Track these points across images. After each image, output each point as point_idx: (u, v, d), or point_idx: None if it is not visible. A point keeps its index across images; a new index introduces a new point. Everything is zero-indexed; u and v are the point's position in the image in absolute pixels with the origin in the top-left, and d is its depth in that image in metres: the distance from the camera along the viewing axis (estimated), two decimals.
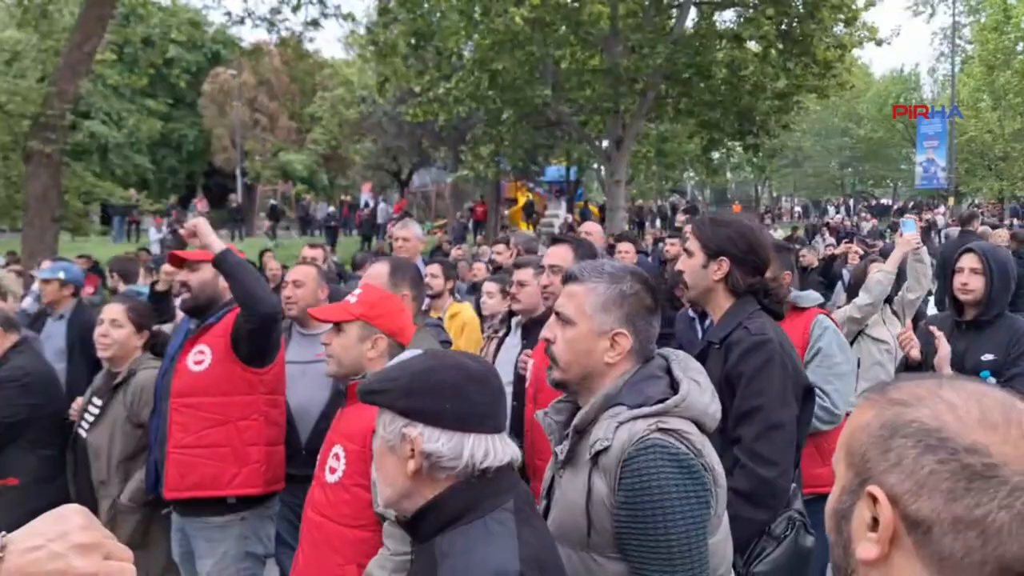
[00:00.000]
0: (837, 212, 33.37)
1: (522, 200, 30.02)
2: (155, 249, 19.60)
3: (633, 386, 1.77)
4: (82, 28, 12.12)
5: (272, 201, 30.11)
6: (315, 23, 14.41)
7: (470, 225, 26.53)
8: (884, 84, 39.41)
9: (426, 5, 16.30)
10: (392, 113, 26.44)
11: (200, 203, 25.56)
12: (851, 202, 38.35)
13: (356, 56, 31.49)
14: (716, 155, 19.61)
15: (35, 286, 5.60)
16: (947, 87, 31.23)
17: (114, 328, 3.42)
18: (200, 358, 3.22)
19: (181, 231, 3.32)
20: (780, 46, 15.99)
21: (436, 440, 1.41)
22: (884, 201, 40.51)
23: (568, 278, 1.93)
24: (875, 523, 0.82)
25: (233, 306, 3.22)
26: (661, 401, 1.72)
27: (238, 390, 3.22)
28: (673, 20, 17.54)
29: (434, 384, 1.44)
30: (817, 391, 3.09)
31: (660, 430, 1.65)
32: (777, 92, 16.80)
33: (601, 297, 1.85)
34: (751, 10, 16.14)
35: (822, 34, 15.52)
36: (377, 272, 3.16)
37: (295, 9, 13.27)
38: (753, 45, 17.27)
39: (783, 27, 15.70)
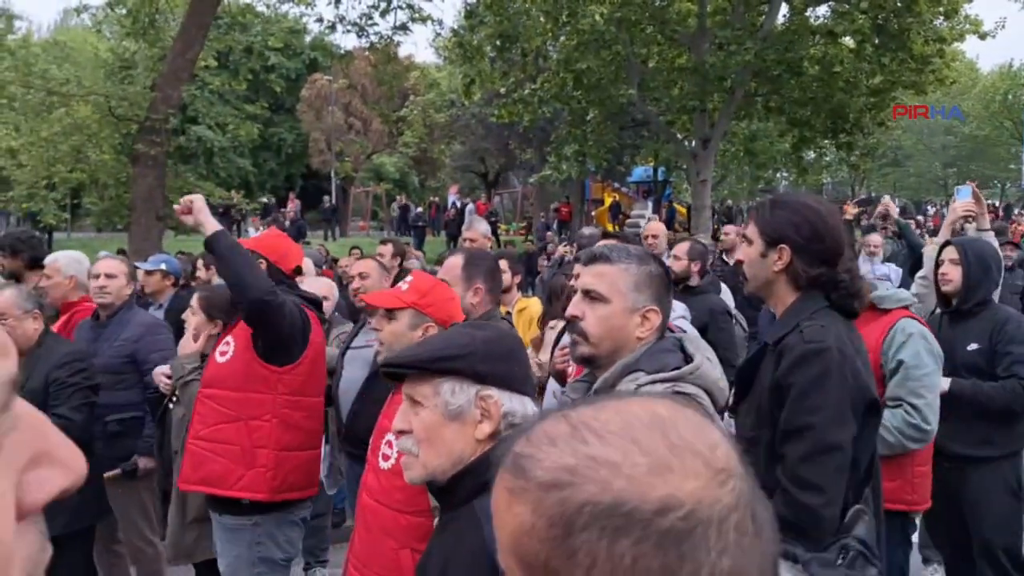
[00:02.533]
0: (936, 213, 31.97)
1: (608, 201, 29.93)
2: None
3: (651, 355, 1.88)
4: (184, 36, 12.81)
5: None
6: (404, 27, 14.81)
7: (555, 226, 26.59)
8: (991, 80, 37.42)
9: (512, 8, 16.48)
10: (480, 115, 26.84)
11: (292, 203, 26.47)
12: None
13: (444, 60, 32.05)
14: (809, 154, 19.04)
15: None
16: None
17: (192, 315, 3.65)
18: (225, 349, 3.16)
19: (183, 218, 3.16)
20: (875, 41, 15.44)
21: (510, 402, 1.51)
22: (990, 202, 38.52)
23: (597, 258, 2.01)
24: None
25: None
26: (677, 368, 1.82)
27: (254, 387, 3.08)
28: (763, 16, 17.19)
29: (505, 350, 1.53)
30: (904, 406, 2.93)
31: (676, 393, 1.74)
32: (872, 88, 16.23)
33: (633, 277, 1.96)
34: (845, 4, 15.63)
35: (919, 28, 14.90)
36: (451, 264, 3.16)
37: (384, 14, 13.65)
38: (847, 41, 16.75)
39: (878, 21, 15.16)
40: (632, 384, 1.80)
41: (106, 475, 3.99)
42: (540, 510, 0.66)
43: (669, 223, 24.98)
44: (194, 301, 3.65)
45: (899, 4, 14.85)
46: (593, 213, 29.20)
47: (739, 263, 2.48)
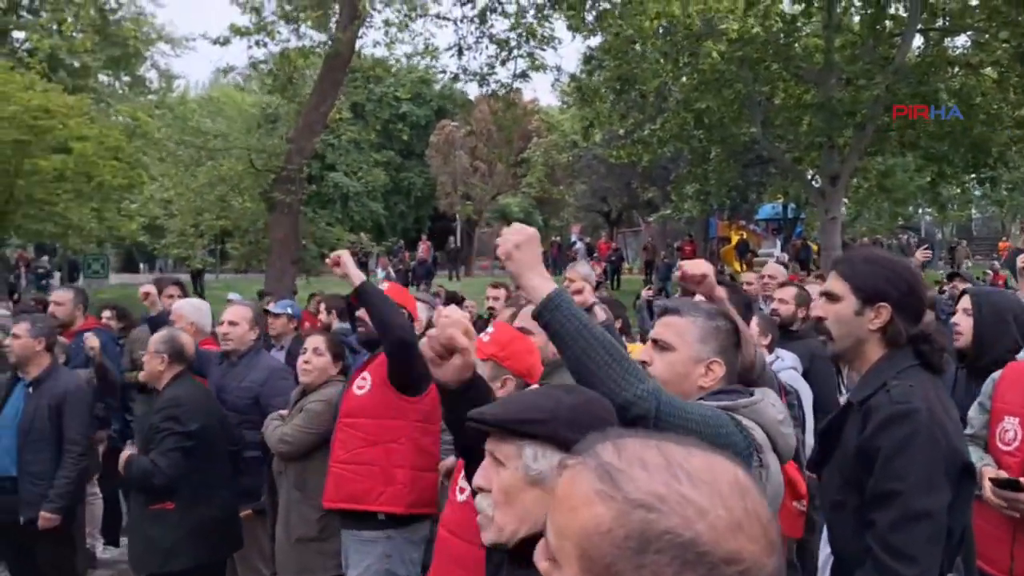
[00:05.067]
0: None
1: (735, 239, 29.30)
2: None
3: (715, 393, 1.97)
4: (319, 91, 13.68)
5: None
6: (524, 75, 15.22)
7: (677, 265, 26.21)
8: None
9: (630, 51, 16.61)
10: (602, 156, 27.08)
11: (424, 245, 27.43)
12: None
13: (562, 103, 32.58)
14: (950, 190, 18.00)
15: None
16: None
17: (315, 356, 3.89)
18: (362, 384, 3.57)
19: (334, 269, 3.57)
20: (1019, 70, 14.55)
21: None
22: None
23: (667, 311, 2.11)
24: None
25: None
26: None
27: (390, 415, 3.49)
28: (894, 50, 16.55)
29: (592, 417, 1.45)
30: None
31: (732, 419, 1.79)
32: (1018, 120, 15.25)
33: (700, 329, 2.03)
34: (984, 35, 14.84)
35: None
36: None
37: (504, 63, 14.10)
38: (988, 71, 15.86)
39: (1021, 50, 14.29)
40: None
41: (242, 513, 4.25)
42: (622, 521, 0.76)
43: (805, 262, 24.15)
44: (319, 343, 3.90)
45: None
46: (721, 251, 28.66)
47: (819, 320, 2.41)
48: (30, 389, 4.52)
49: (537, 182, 35.61)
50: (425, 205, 39.93)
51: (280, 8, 13.10)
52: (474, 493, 1.52)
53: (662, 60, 14.72)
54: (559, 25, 14.81)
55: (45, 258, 24.05)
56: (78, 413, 4.53)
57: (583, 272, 5.75)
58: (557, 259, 30.49)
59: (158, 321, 4.89)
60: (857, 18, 17.58)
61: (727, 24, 11.11)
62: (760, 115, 16.72)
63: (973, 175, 16.71)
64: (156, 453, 3.81)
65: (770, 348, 4.47)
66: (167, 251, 14.65)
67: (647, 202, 30.98)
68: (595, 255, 26.36)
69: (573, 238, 33.24)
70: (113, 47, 24.45)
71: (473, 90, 46.18)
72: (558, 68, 15.33)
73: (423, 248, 27.44)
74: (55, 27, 17.01)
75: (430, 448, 3.57)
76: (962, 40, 16.98)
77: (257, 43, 13.73)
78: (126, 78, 30.76)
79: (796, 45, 16.53)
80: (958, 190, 18.09)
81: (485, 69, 15.10)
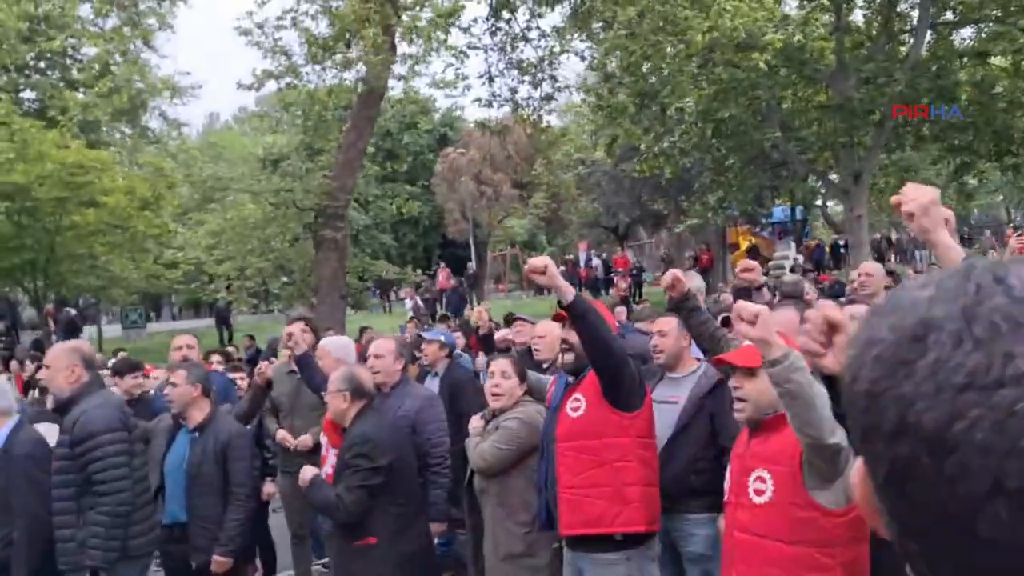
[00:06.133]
0: None
1: (744, 244, 29.53)
2: (408, 317, 21.47)
3: None
4: (355, 127, 13.84)
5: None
6: (549, 98, 15.45)
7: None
8: None
9: (645, 67, 16.87)
10: (612, 172, 27.30)
11: (443, 272, 27.52)
12: None
13: (571, 121, 32.79)
14: (971, 180, 18.22)
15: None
16: None
17: (504, 379, 3.98)
18: (576, 405, 3.53)
19: (536, 279, 3.31)
20: None
21: None
22: None
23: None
24: None
25: None
26: None
27: (611, 433, 3.46)
28: (905, 47, 16.85)
29: None
30: None
31: None
32: None
33: None
34: (998, 24, 15.12)
35: None
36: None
37: (536, 86, 14.32)
38: (997, 60, 16.15)
39: None
40: None
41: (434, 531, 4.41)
42: None
43: (820, 263, 24.36)
44: (506, 367, 4.00)
45: None
46: (730, 258, 28.86)
47: None
48: (196, 434, 4.62)
49: (544, 202, 35.85)
50: (432, 233, 40.12)
51: (311, 50, 13.25)
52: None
53: (682, 74, 14.86)
54: (577, 44, 14.97)
55: (69, 310, 24.03)
56: (243, 456, 4.62)
57: (697, 284, 5.92)
58: (570, 277, 30.65)
59: (303, 362, 5.01)
60: (861, 17, 17.92)
61: (771, 35, 11.32)
62: (777, 119, 16.99)
63: (997, 163, 16.91)
64: (343, 488, 3.88)
65: None
66: (214, 296, 14.71)
67: (654, 215, 31.16)
68: (614, 270, 26.48)
69: (582, 254, 33.24)
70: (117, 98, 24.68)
71: (471, 116, 46.78)
72: (586, 89, 15.48)
73: (443, 275, 27.50)
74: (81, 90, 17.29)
75: (653, 463, 3.58)
76: (968, 32, 17.30)
77: (288, 85, 13.91)
78: (127, 129, 30.98)
79: (805, 49, 16.82)
80: (974, 181, 18.25)
81: (508, 94, 15.34)
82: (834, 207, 36.20)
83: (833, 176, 18.19)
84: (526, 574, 3.78)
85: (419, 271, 30.21)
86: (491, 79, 14.54)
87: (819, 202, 33.38)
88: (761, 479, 2.60)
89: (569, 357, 3.61)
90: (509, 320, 9.05)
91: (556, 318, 3.76)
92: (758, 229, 31.36)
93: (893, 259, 27.59)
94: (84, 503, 3.95)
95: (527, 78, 14.89)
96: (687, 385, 4.18)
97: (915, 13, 16.91)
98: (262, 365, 5.29)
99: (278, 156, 36.95)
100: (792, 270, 20.75)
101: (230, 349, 11.32)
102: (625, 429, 3.49)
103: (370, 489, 3.84)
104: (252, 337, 16.15)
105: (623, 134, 16.32)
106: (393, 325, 16.97)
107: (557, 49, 14.64)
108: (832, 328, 1.73)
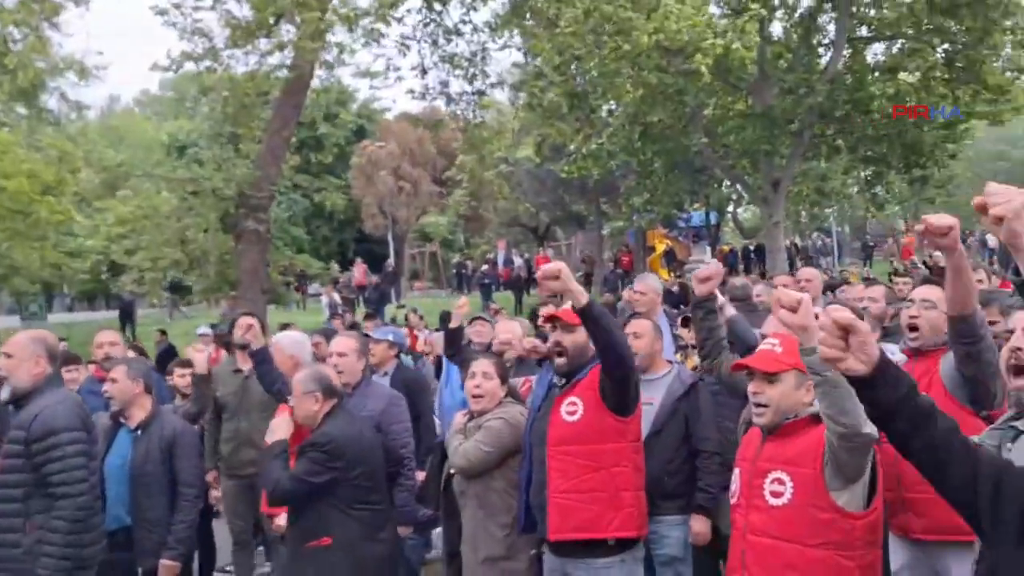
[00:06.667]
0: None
1: (660, 248, 30.09)
2: (326, 314, 20.89)
3: None
4: (280, 115, 13.35)
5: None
6: (481, 93, 15.29)
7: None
8: None
9: (573, 67, 16.91)
10: (535, 171, 27.34)
11: (359, 268, 26.92)
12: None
13: (491, 118, 32.67)
14: (880, 191, 19.04)
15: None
16: None
17: (486, 380, 3.79)
18: (572, 409, 3.43)
19: (549, 284, 3.10)
20: (946, 76, 15.60)
21: None
22: None
23: (928, 281, 2.51)
24: None
25: (596, 362, 3.43)
26: None
27: (609, 438, 3.40)
28: (822, 60, 17.45)
29: None
30: None
31: None
32: (944, 121, 16.34)
33: None
34: (913, 41, 15.84)
35: (995, 59, 15.06)
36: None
37: (470, 80, 14.14)
38: (908, 76, 16.92)
39: (949, 54, 15.35)
40: None
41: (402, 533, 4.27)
42: None
43: (733, 268, 25.01)
44: (487, 367, 3.81)
45: (969, 37, 14.98)
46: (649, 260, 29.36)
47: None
48: (138, 433, 4.28)
49: (464, 199, 35.67)
50: (348, 228, 39.29)
51: (235, 33, 12.68)
52: None
53: (619, 76, 14.94)
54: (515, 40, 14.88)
55: None
56: (190, 455, 4.32)
57: (654, 285, 5.88)
58: (489, 277, 30.53)
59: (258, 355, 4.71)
60: (780, 29, 18.46)
61: (711, 40, 11.48)
62: (702, 126, 17.33)
63: (906, 175, 17.72)
64: (289, 472, 3.69)
65: None
66: (122, 287, 13.90)
67: (574, 216, 31.40)
68: (535, 270, 26.49)
69: (500, 254, 33.06)
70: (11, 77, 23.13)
71: (398, 108, 46.12)
72: (517, 88, 15.40)
73: (359, 271, 26.91)
74: None
75: (643, 467, 3.55)
76: (880, 47, 18.08)
77: (208, 69, 13.30)
78: (22, 110, 29.17)
79: (728, 57, 17.21)
80: (885, 191, 19.10)
81: (440, 87, 15.13)
82: (742, 213, 37.48)
83: (751, 181, 18.67)
84: None
85: (338, 267, 29.66)
86: (424, 71, 14.29)
87: (731, 208, 34.47)
88: (779, 481, 2.57)
89: (561, 360, 3.50)
90: (445, 319, 8.88)
91: (547, 320, 3.67)
92: (674, 233, 32.05)
93: (799, 265, 28.58)
94: (32, 506, 3.58)
95: (459, 72, 14.70)
96: (660, 387, 4.16)
97: (832, 27, 17.57)
98: (192, 355, 4.97)
99: (185, 142, 35.66)
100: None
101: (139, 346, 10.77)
102: (622, 433, 3.45)
103: (313, 486, 3.65)
104: (163, 332, 15.41)
105: (555, 133, 16.32)
106: (311, 322, 16.45)
107: (490, 45, 14.54)
108: (845, 330, 1.74)
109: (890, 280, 9.29)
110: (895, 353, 4.71)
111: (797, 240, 34.35)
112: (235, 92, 13.58)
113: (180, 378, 5.67)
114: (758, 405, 2.68)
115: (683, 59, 15.52)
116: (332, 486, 3.66)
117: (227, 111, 14.23)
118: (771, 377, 2.65)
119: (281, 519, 4.03)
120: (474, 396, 3.75)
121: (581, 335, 3.43)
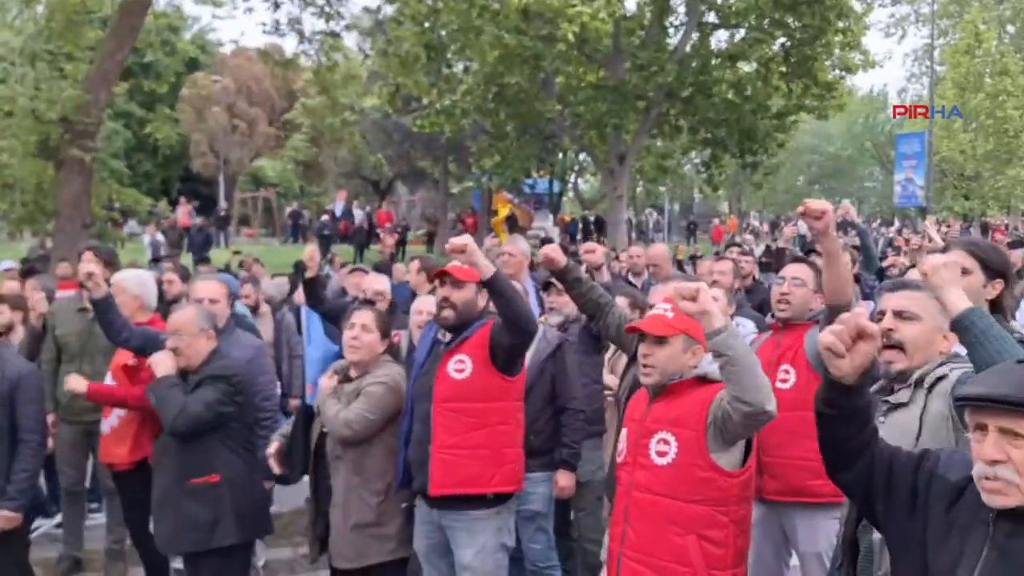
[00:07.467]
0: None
1: (503, 212, 30.40)
2: (148, 254, 19.44)
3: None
4: (115, 37, 12.17)
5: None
6: (334, 34, 14.65)
7: None
8: (855, 104, 40.87)
9: (432, 19, 16.55)
10: (382, 122, 26.64)
11: (184, 208, 25.19)
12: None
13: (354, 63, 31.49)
14: (716, 172, 20.12)
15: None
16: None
17: (365, 333, 3.64)
18: (460, 367, 3.43)
19: (456, 256, 3.27)
20: (783, 69, 16.62)
21: None
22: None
23: (906, 286, 2.52)
24: None
25: (486, 320, 3.45)
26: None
27: (495, 397, 3.46)
28: (671, 40, 18.13)
29: None
30: None
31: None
32: (776, 112, 17.45)
33: (935, 304, 2.38)
34: (756, 32, 16.71)
35: (826, 57, 16.21)
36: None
37: (327, 19, 13.50)
38: (748, 66, 17.91)
39: (787, 48, 16.35)
40: (947, 367, 2.33)
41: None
42: None
43: (573, 236, 25.71)
44: (367, 320, 3.63)
45: (806, 34, 16.04)
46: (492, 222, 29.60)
47: None
48: None
49: (303, 146, 34.25)
50: (175, 165, 36.66)
51: None
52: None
53: (483, 32, 14.75)
54: None
55: None
56: (33, 399, 3.89)
57: (523, 248, 5.89)
58: (332, 227, 29.58)
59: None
60: (635, 5, 18.94)
61: (577, 8, 11.52)
62: (555, 93, 17.57)
63: (740, 159, 18.82)
64: (194, 398, 3.58)
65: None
66: None
67: (418, 172, 30.98)
68: (378, 226, 25.88)
69: (339, 205, 31.98)
70: None
71: (231, 43, 43.06)
72: (364, 32, 14.85)
73: (183, 211, 25.20)
74: None
75: (523, 424, 3.63)
76: (724, 35, 19.00)
77: None
78: None
79: (587, 28, 17.50)
80: (719, 173, 20.18)
81: (292, 24, 14.36)
82: (583, 184, 38.61)
83: (599, 153, 19.17)
84: (374, 543, 3.57)
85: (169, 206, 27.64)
86: (277, 5, 13.49)
87: (572, 178, 35.32)
88: (664, 441, 2.67)
89: (449, 314, 3.48)
90: (299, 267, 8.45)
91: (433, 278, 3.70)
92: (518, 199, 32.45)
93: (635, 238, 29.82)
94: None
95: (314, 10, 14.01)
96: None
97: (682, 9, 18.26)
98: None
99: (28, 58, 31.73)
100: (547, 241, 21.72)
101: None
102: (507, 392, 3.50)
103: (216, 416, 3.59)
104: None
105: (411, 84, 15.96)
106: (130, 260, 15.22)
107: None
108: (860, 336, 1.79)
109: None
110: (747, 326, 5.04)
111: (631, 215, 35.88)
112: (63, 6, 12.27)
113: None
114: (646, 366, 2.77)
115: (543, 23, 15.68)
116: (229, 420, 3.65)
117: (51, 26, 12.84)
118: (661, 340, 2.75)
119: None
120: (351, 347, 3.61)
121: (469, 291, 3.46)
